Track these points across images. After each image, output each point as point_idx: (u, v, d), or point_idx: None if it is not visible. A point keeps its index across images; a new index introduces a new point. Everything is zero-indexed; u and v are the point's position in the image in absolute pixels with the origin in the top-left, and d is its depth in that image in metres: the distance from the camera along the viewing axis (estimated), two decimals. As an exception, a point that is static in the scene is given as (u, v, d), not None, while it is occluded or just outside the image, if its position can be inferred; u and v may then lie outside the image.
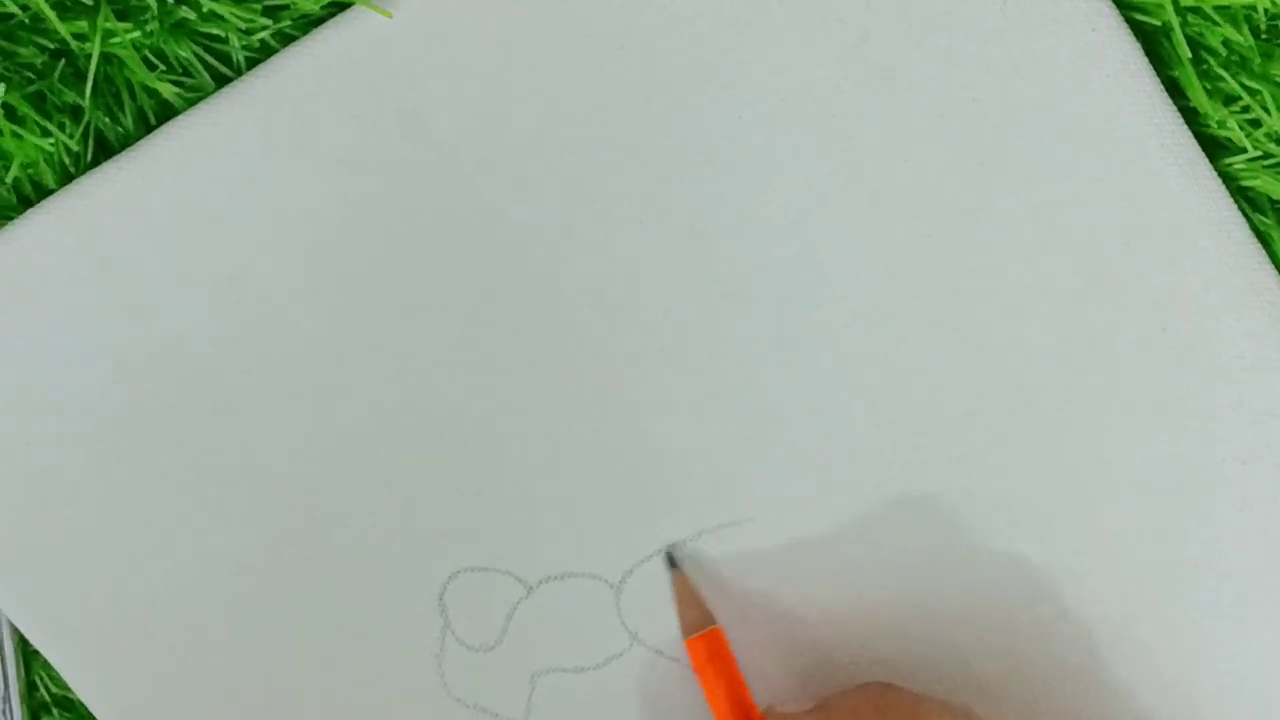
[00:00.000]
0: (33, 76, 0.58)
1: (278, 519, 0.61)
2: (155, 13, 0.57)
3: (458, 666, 0.61)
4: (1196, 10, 0.54)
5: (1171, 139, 0.55)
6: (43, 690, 0.64)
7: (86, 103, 0.58)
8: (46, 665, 0.63)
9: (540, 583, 0.61)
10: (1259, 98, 0.54)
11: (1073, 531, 0.59)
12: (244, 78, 0.58)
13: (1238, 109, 0.55)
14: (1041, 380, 0.58)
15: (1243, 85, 0.54)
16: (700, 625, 0.59)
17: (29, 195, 0.60)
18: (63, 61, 0.58)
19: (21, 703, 0.64)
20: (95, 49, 0.57)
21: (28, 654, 0.64)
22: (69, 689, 0.63)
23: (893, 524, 0.60)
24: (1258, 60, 0.53)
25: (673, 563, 0.60)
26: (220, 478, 0.61)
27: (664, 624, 0.61)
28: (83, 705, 0.63)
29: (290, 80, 0.58)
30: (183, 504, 0.61)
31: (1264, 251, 0.56)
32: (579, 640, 0.61)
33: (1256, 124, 0.55)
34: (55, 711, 0.64)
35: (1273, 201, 0.56)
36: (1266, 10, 0.53)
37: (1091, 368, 0.58)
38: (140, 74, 0.58)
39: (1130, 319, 0.57)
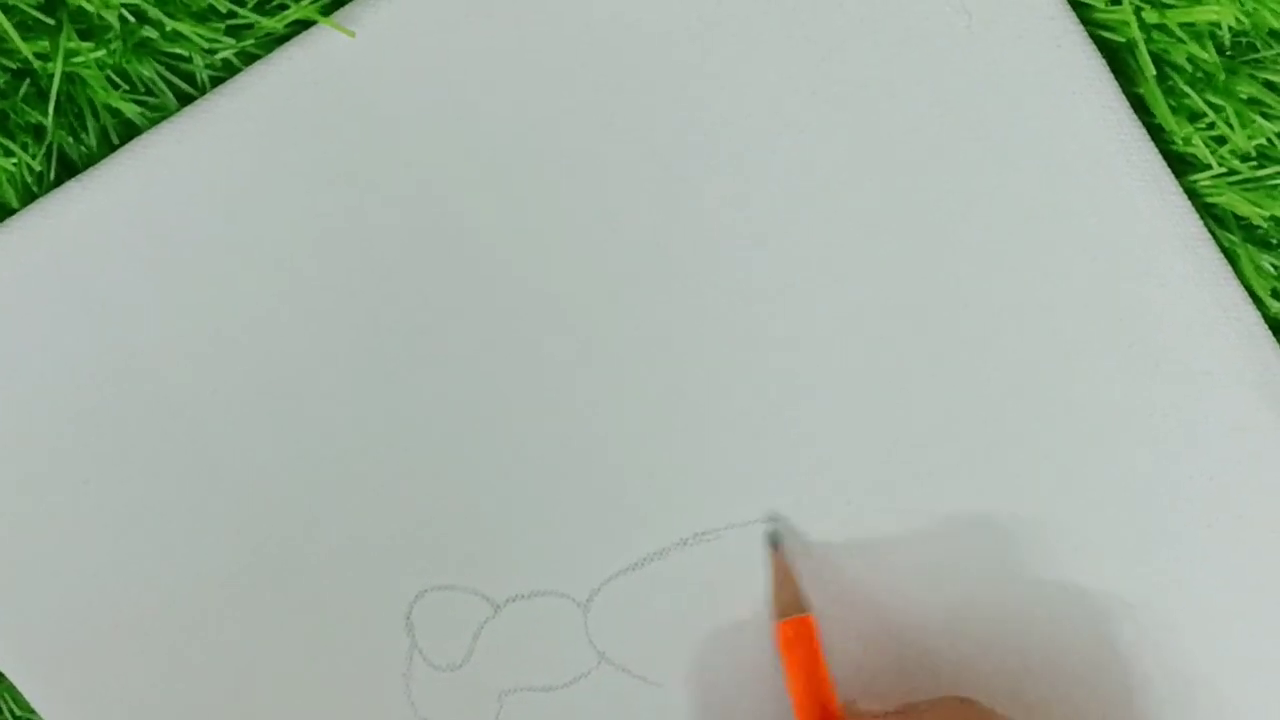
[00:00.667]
0: (-6, 96, 0.58)
1: (244, 537, 0.61)
2: (118, 32, 0.57)
3: (425, 686, 0.61)
4: (1161, 27, 0.54)
5: (1137, 155, 0.56)
6: (6, 712, 0.63)
7: (49, 122, 0.58)
8: (10, 687, 0.63)
9: (507, 601, 0.61)
10: (1224, 114, 0.54)
11: (1042, 548, 0.59)
12: (207, 96, 0.58)
13: (1203, 125, 0.55)
14: (1009, 396, 0.58)
15: (1207, 102, 0.54)
16: (792, 610, 0.58)
17: (-9, 215, 0.59)
18: (26, 81, 0.58)
19: (-16, 725, 0.63)
20: (58, 69, 0.57)
21: (-9, 677, 0.63)
22: (32, 711, 0.63)
23: (860, 541, 0.60)
24: (1222, 77, 0.54)
25: (774, 542, 0.60)
26: (185, 497, 0.60)
27: (632, 642, 0.61)
28: (46, 726, 0.62)
29: (254, 98, 0.58)
30: (147, 523, 0.61)
31: (1230, 268, 0.56)
32: (546, 659, 0.61)
33: (1222, 141, 0.55)
34: (19, 733, 0.64)
35: (1238, 218, 0.56)
36: (1231, 27, 0.54)
37: (1059, 384, 0.58)
38: (103, 94, 0.57)
39: (1097, 335, 0.58)
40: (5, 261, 0.59)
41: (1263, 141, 0.55)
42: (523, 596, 0.61)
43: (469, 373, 0.59)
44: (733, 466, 0.60)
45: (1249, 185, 0.55)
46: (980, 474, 0.59)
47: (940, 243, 0.58)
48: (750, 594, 0.60)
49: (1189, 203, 0.56)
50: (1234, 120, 0.54)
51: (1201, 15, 0.53)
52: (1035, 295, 0.58)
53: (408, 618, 0.61)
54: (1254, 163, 0.55)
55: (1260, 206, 0.55)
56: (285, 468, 0.60)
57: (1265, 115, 0.54)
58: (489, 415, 0.60)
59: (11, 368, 0.59)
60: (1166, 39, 0.54)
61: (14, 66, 0.58)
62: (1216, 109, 0.54)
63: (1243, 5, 0.53)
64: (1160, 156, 0.56)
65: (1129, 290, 0.57)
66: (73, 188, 0.58)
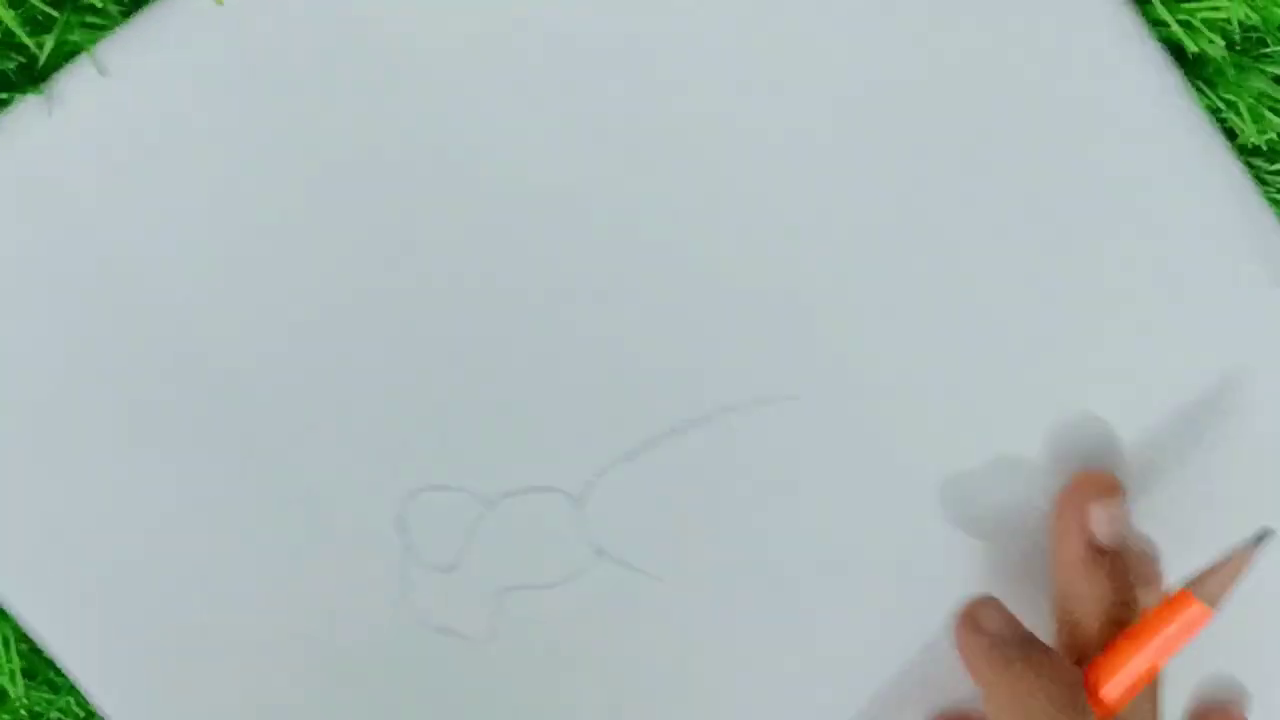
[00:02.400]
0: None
1: (227, 443, 0.61)
2: None
3: (421, 587, 0.62)
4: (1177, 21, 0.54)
5: (1158, 78, 0.55)
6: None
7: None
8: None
9: (500, 498, 0.61)
10: (1234, 109, 0.55)
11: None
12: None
13: (1213, 121, 0.56)
14: (1039, 330, 0.59)
15: (1219, 97, 0.55)
16: (1212, 599, 0.54)
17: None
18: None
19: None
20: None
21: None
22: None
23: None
24: (1232, 72, 0.55)
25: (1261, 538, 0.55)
26: (174, 402, 0.60)
27: (630, 536, 0.61)
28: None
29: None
30: (133, 432, 0.61)
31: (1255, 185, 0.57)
32: (542, 556, 0.61)
33: (1232, 135, 0.56)
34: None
35: None
36: (1241, 22, 0.54)
37: (1095, 326, 0.59)
38: None
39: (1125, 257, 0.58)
40: None
41: (1272, 136, 0.55)
42: (515, 493, 0.61)
43: (455, 267, 0.59)
44: (725, 349, 0.60)
45: (1259, 180, 0.56)
46: (1014, 410, 0.60)
47: (969, 177, 0.58)
48: (748, 480, 0.61)
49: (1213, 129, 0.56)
50: (1244, 115, 0.55)
51: (1212, 14, 0.53)
52: (1063, 227, 0.58)
53: (400, 518, 0.61)
54: (1264, 158, 0.56)
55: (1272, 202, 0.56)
56: (266, 367, 0.60)
57: (1275, 110, 0.55)
58: (473, 310, 0.59)
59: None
60: (1176, 33, 0.55)
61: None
62: (1227, 104, 0.55)
63: (1252, 1, 0.53)
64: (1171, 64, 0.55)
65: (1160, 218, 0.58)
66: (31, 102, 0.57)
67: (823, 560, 0.62)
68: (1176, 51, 0.55)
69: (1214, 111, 0.56)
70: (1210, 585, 0.54)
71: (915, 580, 0.62)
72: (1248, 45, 0.55)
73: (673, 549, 0.62)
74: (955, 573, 0.62)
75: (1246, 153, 0.56)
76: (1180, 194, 0.57)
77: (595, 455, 0.61)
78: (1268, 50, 0.55)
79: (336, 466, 0.61)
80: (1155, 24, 0.54)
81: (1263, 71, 0.55)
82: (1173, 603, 0.55)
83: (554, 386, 0.60)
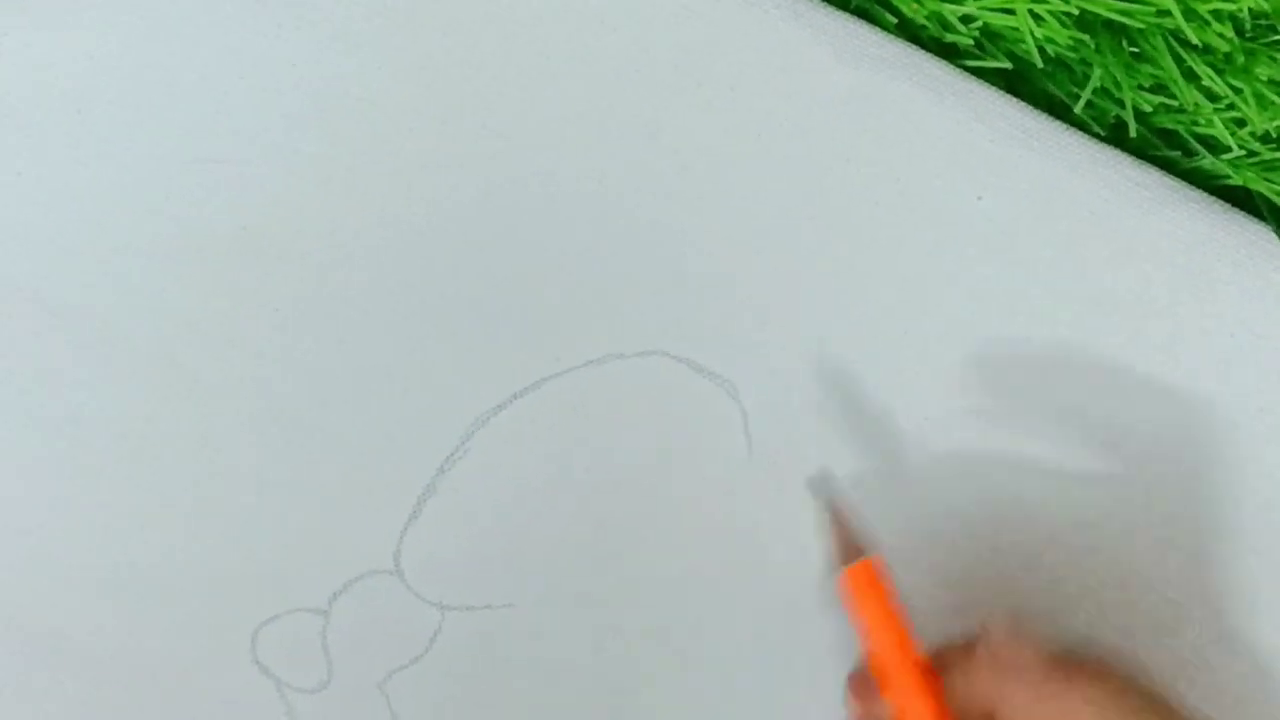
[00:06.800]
0: None
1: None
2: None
3: (308, 713, 0.59)
4: (1182, 10, 0.54)
5: None
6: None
7: None
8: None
9: (329, 603, 0.58)
10: (1243, 96, 0.54)
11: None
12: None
13: (1222, 107, 0.55)
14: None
15: (1228, 84, 0.54)
16: (857, 554, 0.53)
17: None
18: None
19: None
20: None
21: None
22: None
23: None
24: (1242, 59, 0.54)
25: (819, 490, 0.55)
26: None
27: (459, 586, 0.59)
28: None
29: None
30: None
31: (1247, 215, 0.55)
32: (396, 635, 0.59)
33: (1241, 123, 0.55)
34: None
35: (1262, 198, 0.56)
36: (1250, 10, 0.54)
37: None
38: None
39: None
40: None
41: (1280, 123, 0.55)
42: (341, 591, 0.58)
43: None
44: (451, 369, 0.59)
45: (1269, 166, 0.55)
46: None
47: None
48: (519, 483, 0.59)
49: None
50: (1252, 103, 0.54)
51: (1224, 5, 0.53)
52: None
53: (257, 660, 0.59)
54: (1273, 144, 0.55)
55: (1280, 186, 0.55)
56: None
57: (1283, 96, 0.55)
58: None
59: None
60: (1187, 22, 0.54)
61: None
62: (1236, 91, 0.54)
63: (1262, -11, 0.53)
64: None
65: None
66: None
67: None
68: (1182, 40, 0.55)
69: (1220, 98, 0.55)
70: (845, 551, 0.54)
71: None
72: (1258, 32, 0.55)
73: (499, 574, 0.59)
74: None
75: (1254, 139, 0.55)
76: None
77: (384, 527, 0.59)
78: (1278, 38, 0.55)
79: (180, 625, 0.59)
80: (1160, 14, 0.53)
81: (1272, 59, 0.54)
82: (854, 587, 0.54)
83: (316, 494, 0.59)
